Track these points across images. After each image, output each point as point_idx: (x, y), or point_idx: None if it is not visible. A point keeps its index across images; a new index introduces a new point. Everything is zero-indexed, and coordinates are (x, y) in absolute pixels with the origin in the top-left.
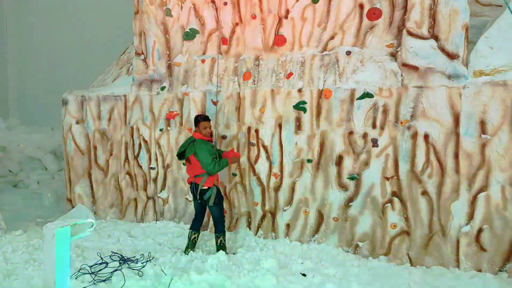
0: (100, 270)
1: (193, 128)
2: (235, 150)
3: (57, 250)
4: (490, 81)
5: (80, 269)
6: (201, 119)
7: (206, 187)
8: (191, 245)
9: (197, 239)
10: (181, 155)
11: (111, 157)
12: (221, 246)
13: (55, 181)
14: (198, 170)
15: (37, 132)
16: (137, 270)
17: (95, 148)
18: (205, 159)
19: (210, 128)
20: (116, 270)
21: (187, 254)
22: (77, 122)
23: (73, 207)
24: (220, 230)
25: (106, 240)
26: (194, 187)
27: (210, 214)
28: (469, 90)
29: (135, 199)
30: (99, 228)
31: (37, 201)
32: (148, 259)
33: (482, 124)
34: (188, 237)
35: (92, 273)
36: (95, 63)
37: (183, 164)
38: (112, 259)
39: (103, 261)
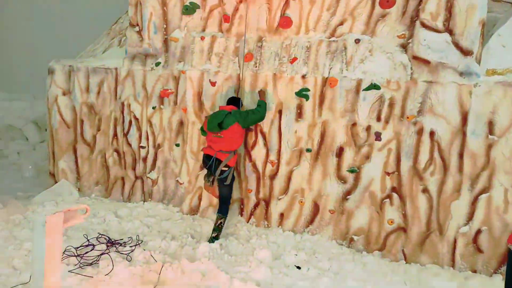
0: (86, 252)
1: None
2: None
3: (48, 239)
4: (502, 81)
5: (65, 251)
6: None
7: (226, 167)
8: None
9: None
10: (214, 127)
11: (99, 133)
12: (218, 228)
13: (36, 152)
14: (228, 146)
15: (17, 100)
16: (125, 254)
17: (82, 122)
18: (255, 114)
19: None
20: (103, 253)
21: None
22: (64, 94)
23: (56, 182)
24: (224, 212)
25: (91, 219)
26: (215, 162)
27: (219, 192)
28: (480, 89)
29: (123, 178)
30: None
31: (16, 172)
32: (137, 243)
33: (490, 124)
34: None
35: (78, 255)
36: (84, 32)
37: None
38: (99, 241)
39: (90, 243)
